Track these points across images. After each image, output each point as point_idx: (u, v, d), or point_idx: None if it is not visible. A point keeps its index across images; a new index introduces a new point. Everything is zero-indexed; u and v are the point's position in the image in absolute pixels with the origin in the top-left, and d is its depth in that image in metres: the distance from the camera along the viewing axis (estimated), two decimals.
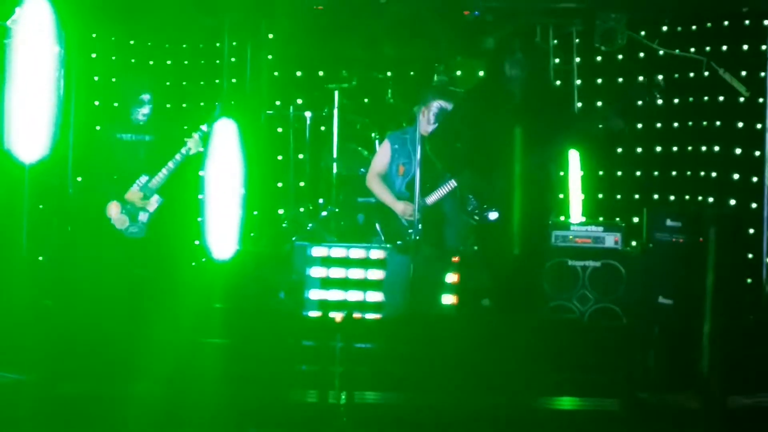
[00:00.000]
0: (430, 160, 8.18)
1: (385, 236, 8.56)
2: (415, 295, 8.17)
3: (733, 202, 10.31)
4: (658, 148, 11.38)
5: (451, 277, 9.49)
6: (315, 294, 10.02)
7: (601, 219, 10.17)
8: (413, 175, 8.19)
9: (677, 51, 10.69)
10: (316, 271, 10.10)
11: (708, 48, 10.55)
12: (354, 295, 9.84)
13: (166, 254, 9.50)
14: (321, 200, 11.57)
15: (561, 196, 9.90)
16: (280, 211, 12.05)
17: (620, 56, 11.38)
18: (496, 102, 7.56)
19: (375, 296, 9.62)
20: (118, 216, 9.16)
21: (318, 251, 10.19)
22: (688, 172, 11.04)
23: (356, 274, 9.96)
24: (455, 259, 9.08)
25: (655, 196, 11.32)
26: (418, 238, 8.12)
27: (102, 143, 9.39)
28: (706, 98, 10.78)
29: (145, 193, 9.14)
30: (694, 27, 10.86)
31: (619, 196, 11.62)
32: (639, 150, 11.52)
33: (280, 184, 12.40)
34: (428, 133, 8.27)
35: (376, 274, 9.64)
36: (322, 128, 11.88)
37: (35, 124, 9.64)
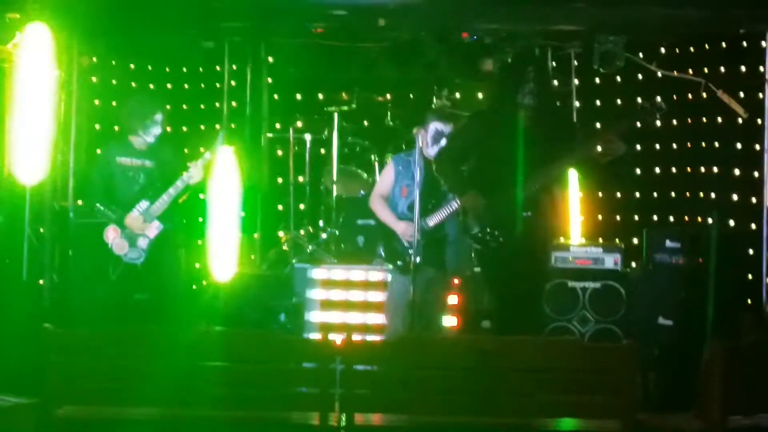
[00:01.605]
0: (434, 182, 8.20)
1: (387, 257, 8.56)
2: (416, 316, 8.17)
3: (732, 223, 10.31)
4: (657, 170, 11.40)
5: (453, 299, 9.52)
6: (315, 316, 10.04)
7: (600, 240, 10.17)
8: (415, 196, 8.21)
9: (675, 73, 10.72)
10: (317, 293, 10.12)
11: (706, 69, 10.58)
12: (354, 317, 9.86)
13: (166, 277, 9.43)
14: (321, 222, 11.58)
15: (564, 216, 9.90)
16: (281, 234, 12.06)
17: (619, 78, 11.42)
18: (503, 125, 7.59)
19: (376, 318, 9.64)
20: (116, 241, 9.09)
21: (318, 273, 10.21)
22: (687, 194, 11.05)
23: (357, 296, 9.98)
24: (456, 281, 9.09)
25: (655, 218, 11.33)
26: (419, 259, 8.12)
27: (102, 167, 9.32)
28: (704, 120, 10.81)
29: (145, 218, 9.08)
30: (692, 49, 10.90)
31: (618, 218, 11.64)
32: (638, 171, 11.55)
33: (280, 207, 12.42)
34: (430, 156, 8.30)
35: (377, 296, 9.66)
36: (322, 151, 11.92)
37: (35, 146, 9.66)
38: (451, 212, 8.17)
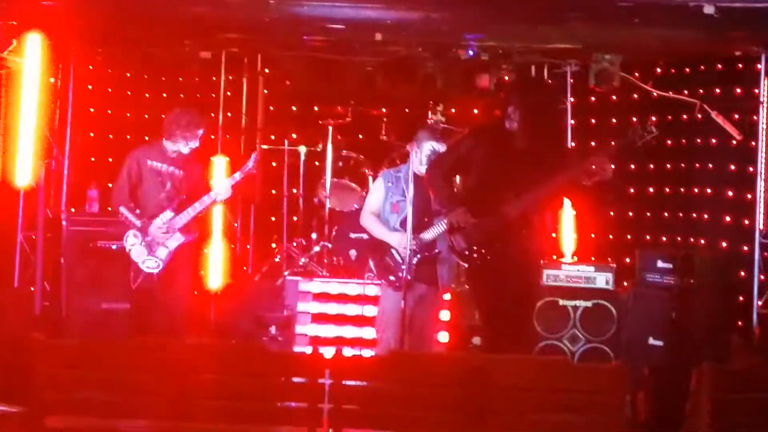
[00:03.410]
0: (426, 199, 8.20)
1: (378, 273, 8.54)
2: (409, 332, 8.18)
3: (724, 244, 10.31)
4: (651, 189, 11.41)
5: (445, 315, 9.53)
6: (306, 329, 10.04)
7: (593, 259, 10.17)
8: (406, 213, 8.21)
9: (671, 93, 10.73)
10: (308, 306, 10.12)
11: (701, 91, 10.59)
12: (345, 331, 9.85)
13: (180, 288, 9.32)
14: (314, 235, 11.56)
15: (554, 235, 9.91)
16: (273, 246, 12.05)
17: (614, 97, 11.44)
18: (497, 143, 7.59)
19: (367, 332, 9.63)
20: (136, 247, 9.02)
21: (310, 286, 10.21)
22: (680, 214, 11.06)
23: (347, 309, 9.98)
24: (447, 296, 9.08)
25: (647, 237, 11.33)
26: (411, 276, 8.13)
27: (132, 167, 9.20)
28: (698, 140, 10.82)
29: (167, 229, 9.01)
30: (687, 69, 10.92)
31: (611, 236, 11.63)
32: (632, 190, 11.56)
33: (273, 219, 12.41)
34: (421, 173, 8.26)
35: (368, 311, 9.65)
36: (316, 163, 11.90)
37: (30, 153, 9.69)
38: (444, 229, 8.17)
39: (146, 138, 9.74)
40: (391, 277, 8.38)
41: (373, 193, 8.82)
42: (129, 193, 9.11)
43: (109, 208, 9.78)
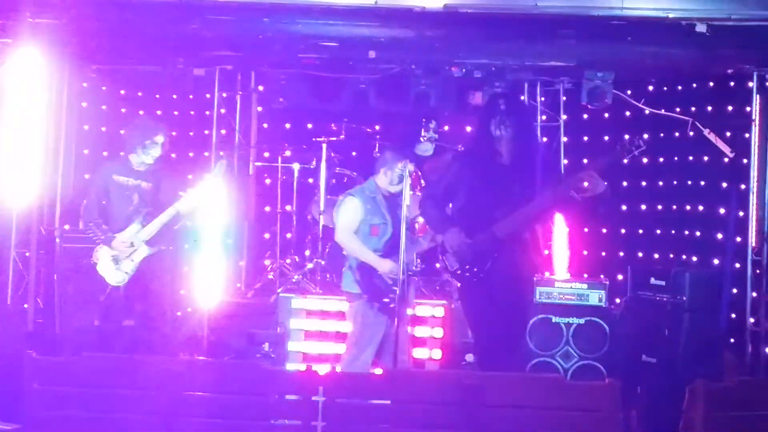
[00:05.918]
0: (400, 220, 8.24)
1: (369, 295, 8.44)
2: (389, 350, 8.22)
3: (716, 261, 10.33)
4: (643, 206, 11.43)
5: (438, 332, 9.55)
6: (298, 346, 10.03)
7: (585, 276, 10.18)
8: (390, 235, 8.23)
9: (663, 110, 10.76)
10: (300, 323, 10.11)
11: (693, 108, 10.62)
12: (338, 348, 9.84)
13: (151, 303, 9.35)
14: (307, 252, 11.58)
15: (546, 252, 9.91)
16: (267, 262, 12.06)
17: (607, 114, 11.46)
18: (483, 164, 7.62)
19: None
20: (104, 262, 9.01)
21: (302, 303, 10.20)
22: (673, 231, 11.08)
23: (341, 327, 9.96)
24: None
25: (640, 254, 11.35)
26: (398, 296, 8.14)
27: (99, 183, 9.19)
28: (690, 158, 10.85)
29: (133, 242, 9.00)
30: (679, 87, 10.95)
31: (604, 253, 11.66)
32: (624, 207, 11.58)
33: (267, 235, 12.42)
34: (392, 192, 8.31)
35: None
36: (310, 180, 11.93)
37: (23, 170, 9.69)
38: (418, 251, 8.20)
39: None
40: (385, 299, 8.32)
41: (351, 212, 8.56)
42: (98, 208, 9.10)
43: (80, 225, 9.83)
